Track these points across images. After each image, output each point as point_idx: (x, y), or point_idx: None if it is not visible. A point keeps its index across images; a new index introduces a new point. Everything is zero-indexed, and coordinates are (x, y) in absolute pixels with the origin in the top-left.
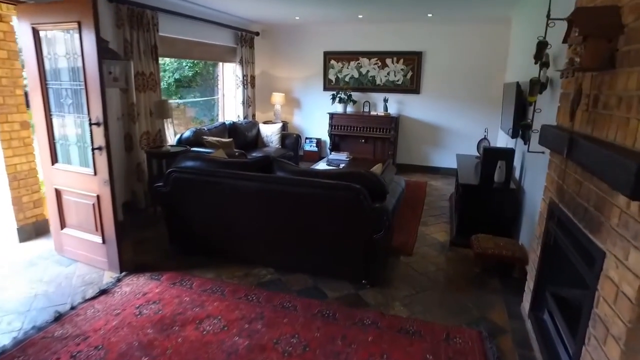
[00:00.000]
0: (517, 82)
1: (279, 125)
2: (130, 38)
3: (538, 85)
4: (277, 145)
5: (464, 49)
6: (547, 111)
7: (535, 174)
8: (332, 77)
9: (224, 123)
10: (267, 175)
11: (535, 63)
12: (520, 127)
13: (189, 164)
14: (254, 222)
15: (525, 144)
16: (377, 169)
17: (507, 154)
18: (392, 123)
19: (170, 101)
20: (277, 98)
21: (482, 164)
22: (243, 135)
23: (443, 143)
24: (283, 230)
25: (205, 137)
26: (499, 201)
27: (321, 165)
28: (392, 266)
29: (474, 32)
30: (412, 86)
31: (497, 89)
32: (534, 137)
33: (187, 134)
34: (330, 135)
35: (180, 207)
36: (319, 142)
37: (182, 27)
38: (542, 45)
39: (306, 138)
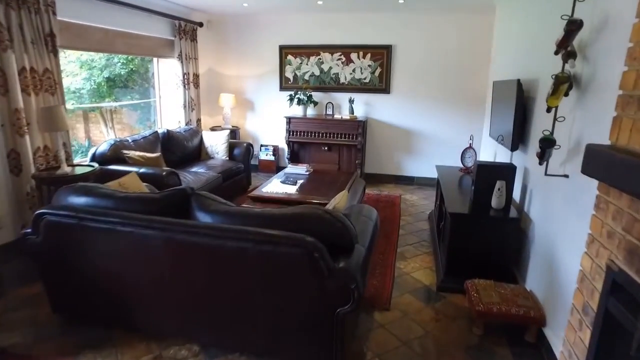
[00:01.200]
0: (518, 80)
1: (227, 132)
2: (8, 21)
3: (567, 84)
4: (224, 157)
5: (440, 42)
6: (570, 120)
7: (551, 202)
8: (289, 75)
9: (156, 132)
10: (174, 222)
11: (557, 53)
12: (540, 144)
13: (74, 200)
14: (166, 283)
15: (540, 164)
16: (340, 201)
17: (507, 173)
18: (359, 128)
19: (103, 105)
20: (226, 100)
21: (476, 184)
22: (181, 146)
23: (417, 150)
24: (208, 297)
25: (126, 151)
26: (498, 233)
27: (274, 184)
28: (363, 331)
29: (451, 23)
30: (381, 85)
31: (480, 87)
32: (556, 155)
33: (102, 148)
34: (288, 143)
35: (62, 262)
36: (276, 150)
37: (96, 12)
38: (574, 26)
39: (261, 145)
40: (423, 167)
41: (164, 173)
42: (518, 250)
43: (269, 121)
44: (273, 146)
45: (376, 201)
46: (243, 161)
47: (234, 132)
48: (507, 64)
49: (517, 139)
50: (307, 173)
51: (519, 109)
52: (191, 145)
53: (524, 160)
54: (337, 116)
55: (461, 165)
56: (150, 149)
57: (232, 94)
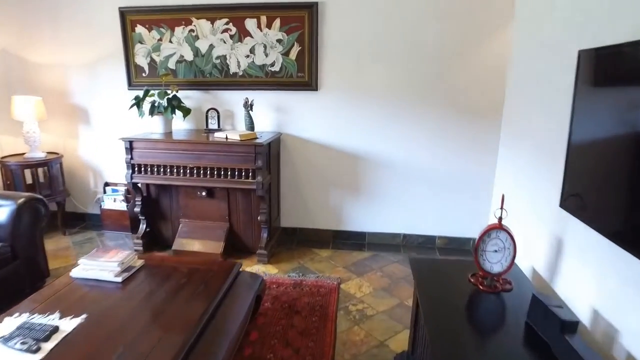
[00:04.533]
0: None
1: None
2: None
3: None
4: None
5: None
6: None
7: None
8: (142, 61)
9: None
10: None
11: None
12: None
13: None
14: None
15: None
16: None
17: None
18: (257, 157)
19: None
20: (24, 108)
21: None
22: None
23: (373, 187)
24: None
25: None
26: None
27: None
28: None
29: None
30: (301, 76)
31: (492, 78)
32: None
33: None
34: (134, 187)
35: None
36: (138, 189)
37: None
38: None
39: (106, 185)
40: (382, 217)
41: None
42: None
43: (118, 143)
44: (125, 185)
45: (282, 307)
46: (29, 234)
47: (48, 165)
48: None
49: None
50: (118, 280)
51: None
52: None
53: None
54: (218, 135)
55: (470, 261)
56: None
57: (39, 96)
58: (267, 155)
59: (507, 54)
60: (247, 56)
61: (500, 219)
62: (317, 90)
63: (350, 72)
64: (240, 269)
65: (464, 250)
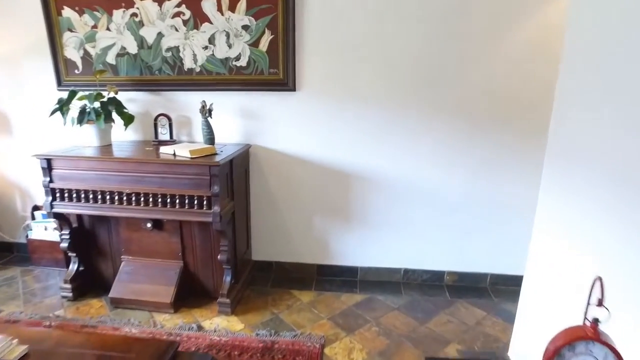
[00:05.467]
0: None
1: None
2: None
3: None
4: None
5: None
6: None
7: None
8: (72, 53)
9: None
10: None
11: None
12: None
13: None
14: None
15: None
16: None
17: None
18: (220, 176)
19: None
20: None
21: None
22: None
23: (365, 211)
24: None
25: None
26: None
27: None
28: None
29: None
30: (274, 72)
31: (525, 76)
32: None
33: None
34: (58, 217)
35: None
36: (67, 220)
37: None
38: None
39: (34, 208)
40: (378, 248)
41: None
42: None
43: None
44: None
45: None
46: None
47: None
48: None
49: None
50: None
51: None
52: None
53: None
54: (164, 151)
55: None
56: None
57: None
58: (229, 177)
59: (553, 43)
60: (206, 47)
61: (595, 324)
62: (295, 90)
63: (338, 68)
64: (179, 348)
65: (479, 289)
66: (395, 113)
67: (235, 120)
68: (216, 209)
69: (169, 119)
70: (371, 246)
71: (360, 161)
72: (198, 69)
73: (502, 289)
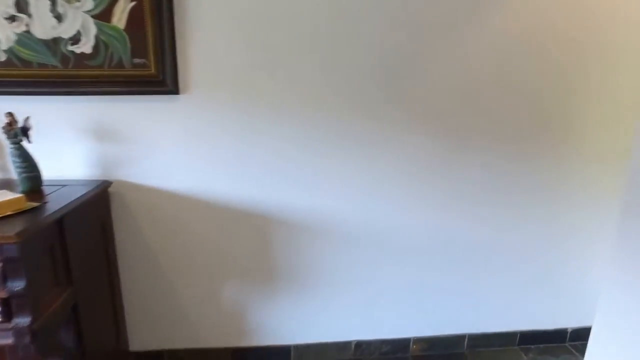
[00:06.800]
0: None
1: None
2: None
3: None
4: None
5: None
6: None
7: None
8: None
9: None
10: None
11: None
12: None
13: None
14: None
15: None
16: None
17: None
18: (34, 254)
19: None
20: None
21: None
22: None
23: (298, 268)
24: None
25: None
26: None
27: None
28: None
29: None
30: (141, 64)
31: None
32: None
33: None
34: None
35: None
36: None
37: None
38: None
39: None
40: (319, 317)
41: None
42: None
43: None
44: None
45: None
46: None
47: None
48: None
49: None
50: None
51: None
52: None
53: None
54: None
55: None
56: None
57: None
58: (57, 249)
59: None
60: (12, 19)
61: None
62: (178, 93)
63: (251, 56)
64: None
65: (454, 357)
66: (338, 127)
67: (80, 142)
68: (21, 320)
69: None
70: (308, 316)
71: (285, 199)
72: (3, 58)
73: (483, 352)
